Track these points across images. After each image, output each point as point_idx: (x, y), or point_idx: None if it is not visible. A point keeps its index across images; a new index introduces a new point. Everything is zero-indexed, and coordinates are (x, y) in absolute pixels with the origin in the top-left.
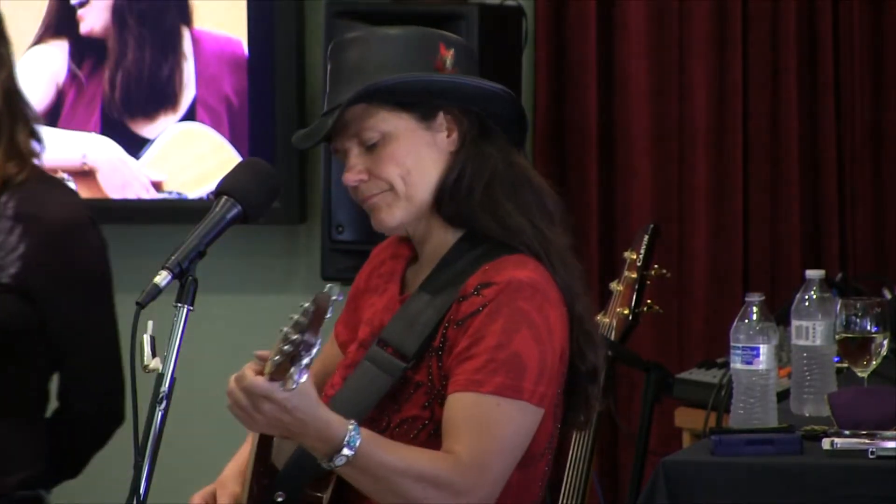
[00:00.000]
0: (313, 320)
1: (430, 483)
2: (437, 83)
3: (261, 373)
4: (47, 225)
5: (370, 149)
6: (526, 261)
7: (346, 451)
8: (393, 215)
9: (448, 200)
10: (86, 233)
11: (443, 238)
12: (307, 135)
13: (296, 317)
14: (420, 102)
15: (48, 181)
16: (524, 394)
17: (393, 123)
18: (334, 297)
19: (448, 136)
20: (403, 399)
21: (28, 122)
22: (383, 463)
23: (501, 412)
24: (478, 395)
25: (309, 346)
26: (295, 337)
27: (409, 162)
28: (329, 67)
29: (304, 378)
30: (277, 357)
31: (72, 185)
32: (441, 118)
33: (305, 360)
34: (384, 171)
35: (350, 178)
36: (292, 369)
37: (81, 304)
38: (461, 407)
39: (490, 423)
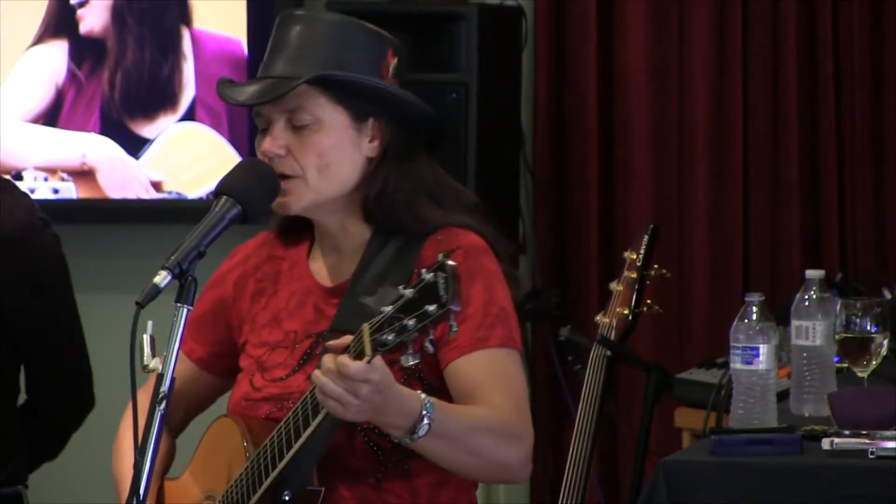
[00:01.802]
0: (455, 289)
1: (500, 434)
2: (385, 92)
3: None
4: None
5: (297, 129)
6: (467, 230)
7: (426, 421)
8: (300, 203)
9: (376, 209)
10: (38, 236)
11: (361, 231)
12: (238, 91)
13: (407, 292)
14: (356, 103)
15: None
16: (517, 343)
17: (329, 113)
18: (452, 263)
19: (371, 142)
20: None
21: None
22: (457, 423)
23: (510, 361)
24: (487, 350)
25: (451, 314)
26: (430, 308)
27: (330, 156)
28: (274, 35)
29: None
30: (391, 337)
31: (71, 185)
32: (370, 123)
33: (454, 326)
34: (304, 157)
35: (270, 148)
36: (426, 341)
37: (42, 307)
38: (477, 366)
39: (508, 373)
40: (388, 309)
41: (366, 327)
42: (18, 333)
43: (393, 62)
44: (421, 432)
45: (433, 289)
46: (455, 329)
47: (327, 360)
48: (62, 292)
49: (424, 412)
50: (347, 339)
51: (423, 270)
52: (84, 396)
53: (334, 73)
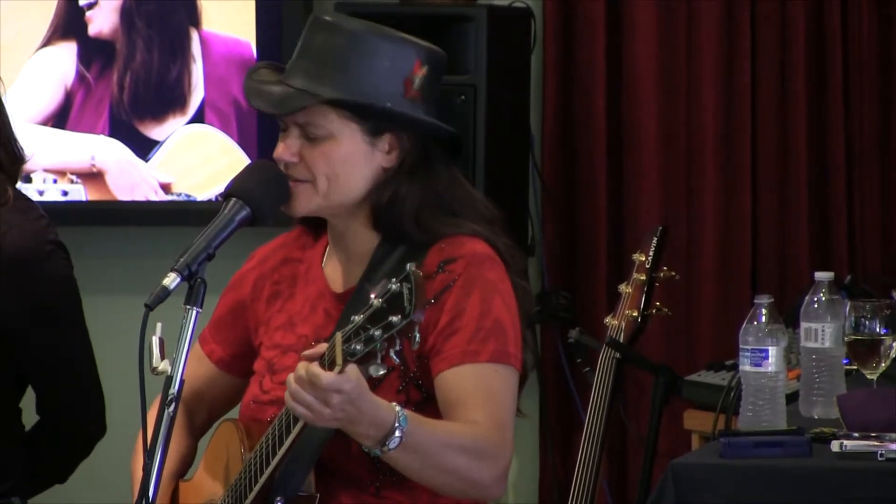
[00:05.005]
0: (417, 299)
1: (473, 454)
2: (394, 114)
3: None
4: (6, 254)
5: (310, 139)
6: (475, 238)
7: (397, 433)
8: (306, 206)
9: (383, 218)
10: (46, 262)
11: (367, 236)
12: (259, 92)
13: (376, 302)
14: (370, 120)
15: (14, 207)
16: (511, 358)
17: (340, 128)
18: (421, 273)
19: (387, 153)
20: (373, 385)
21: None
22: (430, 439)
23: (500, 377)
24: (476, 365)
25: (415, 325)
26: (394, 319)
27: (340, 168)
28: (302, 38)
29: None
30: (360, 346)
31: (80, 187)
32: (386, 137)
33: (417, 337)
34: (314, 164)
35: (283, 154)
36: (391, 352)
37: (47, 334)
38: (463, 379)
39: (495, 390)
40: (359, 318)
41: (338, 336)
42: (22, 359)
43: (420, 73)
44: (392, 444)
45: (398, 299)
46: (418, 340)
47: (301, 367)
48: (70, 320)
49: (397, 424)
50: (323, 347)
51: (392, 280)
52: (91, 426)
53: (345, 99)
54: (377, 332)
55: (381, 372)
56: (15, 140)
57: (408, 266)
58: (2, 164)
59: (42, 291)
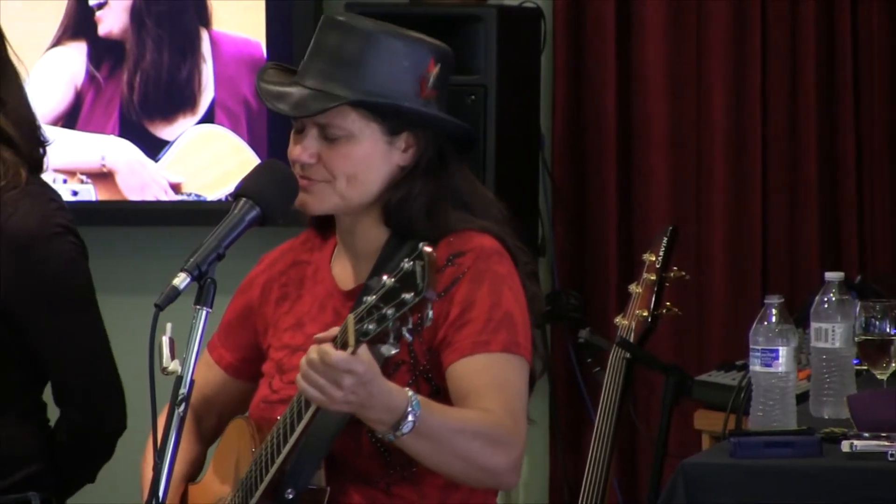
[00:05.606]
0: (430, 277)
1: (486, 439)
2: (414, 113)
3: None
4: (9, 236)
5: (329, 140)
6: (483, 233)
7: (410, 418)
8: (321, 206)
9: (395, 215)
10: (50, 245)
11: (375, 233)
12: (275, 94)
13: (388, 281)
14: (389, 120)
15: (24, 190)
16: (521, 349)
17: (360, 128)
18: (432, 251)
19: (404, 151)
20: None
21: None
22: (443, 424)
23: (511, 367)
24: (487, 355)
25: (427, 302)
26: (407, 296)
27: (359, 167)
28: (315, 38)
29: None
30: (372, 326)
31: (90, 187)
32: (404, 136)
33: (430, 314)
34: (334, 165)
35: (301, 156)
36: (404, 330)
37: (54, 318)
38: (475, 369)
39: (507, 379)
40: (372, 298)
41: (350, 317)
42: (31, 345)
43: (434, 71)
44: (405, 429)
45: (411, 277)
46: (430, 317)
47: (312, 349)
48: (78, 305)
49: (409, 409)
50: (335, 330)
51: (405, 259)
52: (107, 420)
53: (366, 100)
54: (390, 311)
55: (393, 352)
56: (35, 124)
57: (420, 245)
58: (18, 146)
59: (46, 274)
